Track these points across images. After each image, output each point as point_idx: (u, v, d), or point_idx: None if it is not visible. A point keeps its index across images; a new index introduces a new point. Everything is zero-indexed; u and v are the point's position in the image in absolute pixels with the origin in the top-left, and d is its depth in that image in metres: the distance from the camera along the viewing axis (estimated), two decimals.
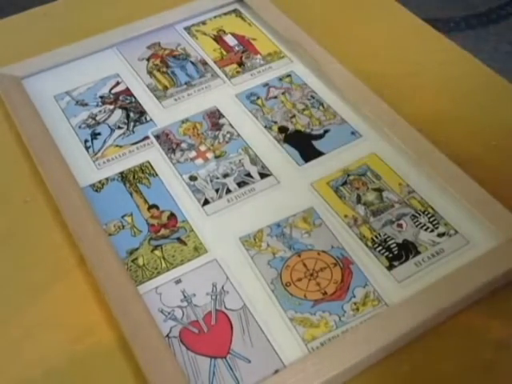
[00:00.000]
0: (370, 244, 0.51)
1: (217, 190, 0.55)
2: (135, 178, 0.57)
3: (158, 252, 0.51)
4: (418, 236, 0.51)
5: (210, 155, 0.59)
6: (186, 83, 0.66)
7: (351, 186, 0.55)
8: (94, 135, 0.61)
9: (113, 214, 0.54)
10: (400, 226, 0.52)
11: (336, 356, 0.43)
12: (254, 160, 0.58)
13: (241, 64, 0.68)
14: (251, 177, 0.56)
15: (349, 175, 0.56)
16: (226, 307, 0.47)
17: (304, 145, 0.59)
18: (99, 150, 0.60)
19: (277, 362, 0.44)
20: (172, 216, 0.54)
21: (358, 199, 0.54)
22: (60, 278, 0.50)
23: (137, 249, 0.51)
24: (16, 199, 0.56)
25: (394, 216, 0.52)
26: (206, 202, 0.55)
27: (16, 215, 0.55)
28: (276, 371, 0.43)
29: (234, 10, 0.75)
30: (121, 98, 0.65)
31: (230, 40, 0.71)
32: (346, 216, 0.53)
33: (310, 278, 0.49)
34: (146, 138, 0.61)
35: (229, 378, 0.43)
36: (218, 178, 0.56)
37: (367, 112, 0.60)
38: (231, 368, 0.44)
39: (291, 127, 0.61)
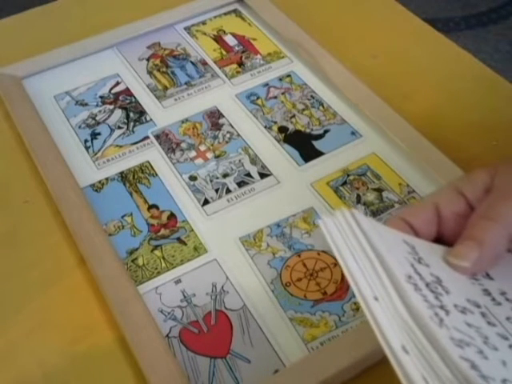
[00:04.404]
0: None
1: (217, 190, 0.55)
2: (135, 178, 0.57)
3: (157, 252, 0.51)
4: None
5: (209, 155, 0.59)
6: (186, 83, 0.66)
7: (351, 186, 0.55)
8: (94, 135, 0.61)
9: (113, 214, 0.54)
10: None
11: (336, 356, 0.43)
12: (254, 160, 0.58)
13: (241, 64, 0.68)
14: (251, 177, 0.56)
15: (349, 175, 0.56)
16: (225, 307, 0.47)
17: (304, 145, 0.59)
18: (99, 150, 0.60)
19: (277, 362, 0.44)
20: (172, 216, 0.54)
21: (358, 199, 0.54)
22: (60, 277, 0.50)
23: (137, 249, 0.51)
24: (16, 199, 0.56)
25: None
26: (206, 202, 0.55)
27: (16, 215, 0.55)
28: (276, 371, 0.43)
29: (234, 10, 0.75)
30: (121, 98, 0.65)
31: (230, 40, 0.71)
32: None
33: (309, 278, 0.49)
34: (146, 137, 0.61)
35: (229, 378, 0.43)
36: (217, 178, 0.56)
37: (367, 112, 0.60)
38: (231, 368, 0.44)
39: (291, 127, 0.61)
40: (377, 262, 0.32)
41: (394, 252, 0.34)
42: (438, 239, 0.39)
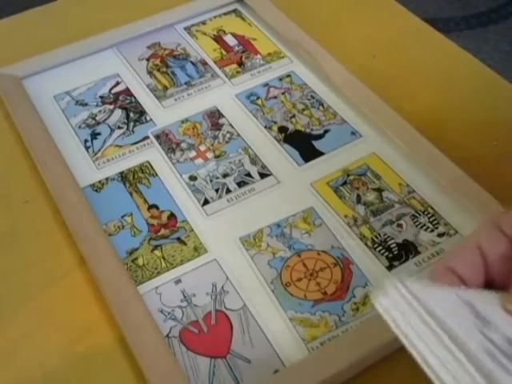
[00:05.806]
0: (369, 244, 0.51)
1: (217, 190, 0.55)
2: (135, 178, 0.57)
3: (157, 252, 0.51)
4: (417, 236, 0.51)
5: (209, 155, 0.59)
6: (186, 83, 0.66)
7: (351, 185, 0.55)
8: (94, 135, 0.61)
9: (113, 214, 0.54)
10: (400, 226, 0.52)
11: (336, 356, 0.43)
12: (254, 160, 0.58)
13: (241, 64, 0.68)
14: (251, 177, 0.56)
15: (349, 175, 0.56)
16: (225, 307, 0.47)
17: (304, 145, 0.59)
18: (99, 150, 0.60)
19: (277, 362, 0.44)
20: (172, 216, 0.54)
21: (358, 199, 0.54)
22: (60, 278, 0.50)
23: (137, 249, 0.51)
24: (16, 199, 0.56)
25: (394, 216, 0.52)
26: (206, 202, 0.55)
27: (16, 215, 0.55)
28: (276, 371, 0.43)
29: (234, 10, 0.75)
30: (121, 97, 0.65)
31: (230, 40, 0.71)
32: (345, 216, 0.53)
33: (310, 277, 0.49)
34: (146, 137, 0.61)
35: (229, 377, 0.43)
36: (217, 178, 0.56)
37: (367, 112, 0.60)
38: (231, 368, 0.44)
39: (291, 127, 0.61)
40: (448, 340, 0.30)
41: (459, 320, 0.32)
42: (487, 282, 0.37)
